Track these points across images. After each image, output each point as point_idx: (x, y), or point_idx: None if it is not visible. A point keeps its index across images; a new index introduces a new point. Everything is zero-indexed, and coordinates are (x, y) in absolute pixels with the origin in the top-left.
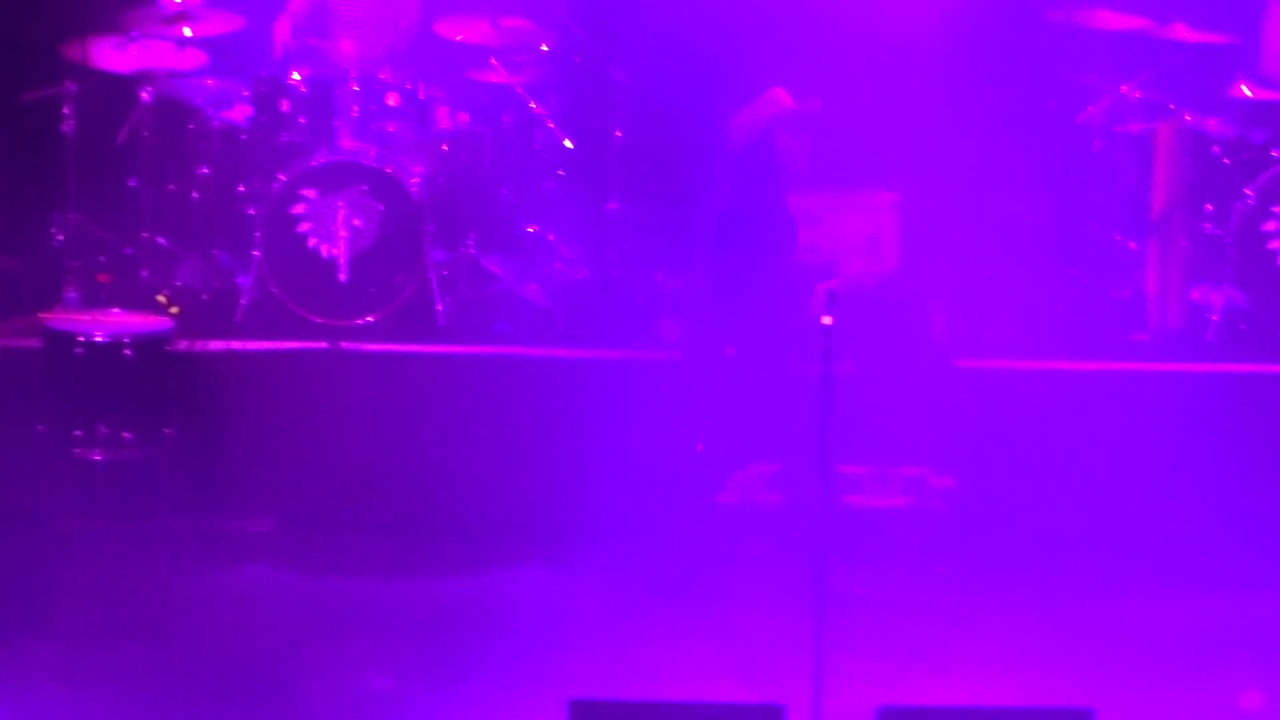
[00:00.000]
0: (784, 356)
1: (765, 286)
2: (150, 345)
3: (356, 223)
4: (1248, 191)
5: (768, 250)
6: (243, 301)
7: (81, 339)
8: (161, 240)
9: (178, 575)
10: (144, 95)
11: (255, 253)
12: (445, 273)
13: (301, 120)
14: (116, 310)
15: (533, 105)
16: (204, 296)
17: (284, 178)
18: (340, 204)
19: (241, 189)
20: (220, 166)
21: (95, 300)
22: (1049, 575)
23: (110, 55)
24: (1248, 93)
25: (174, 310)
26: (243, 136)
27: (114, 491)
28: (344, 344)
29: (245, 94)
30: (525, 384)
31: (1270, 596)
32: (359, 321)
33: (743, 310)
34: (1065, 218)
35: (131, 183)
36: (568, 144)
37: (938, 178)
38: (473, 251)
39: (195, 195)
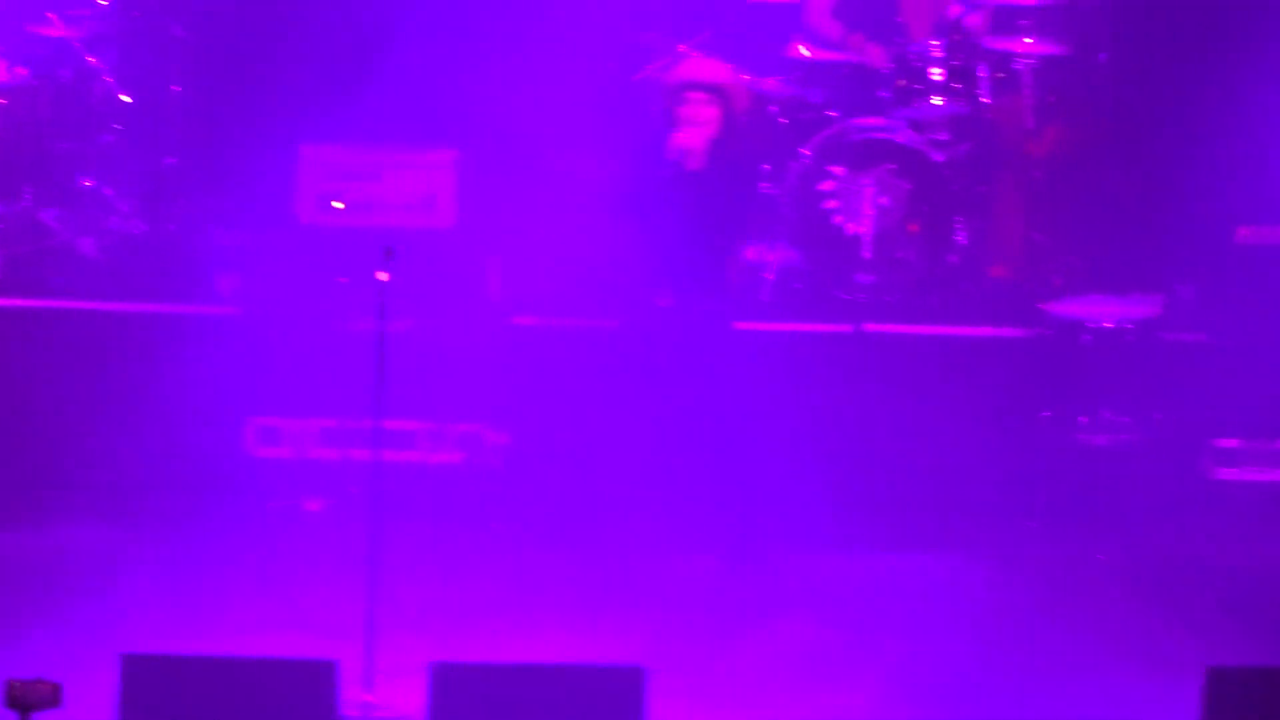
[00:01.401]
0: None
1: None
2: None
3: None
4: (804, 151)
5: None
6: None
7: None
8: None
9: None
10: None
11: None
12: (1, 226)
13: None
14: None
15: (91, 59)
16: None
17: None
18: None
19: None
20: None
21: None
22: (602, 533)
23: None
24: (805, 53)
25: None
26: None
27: None
28: None
29: None
30: (81, 338)
31: (808, 555)
32: None
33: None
34: (622, 175)
35: None
36: (126, 99)
37: (496, 136)
38: (29, 205)
39: None
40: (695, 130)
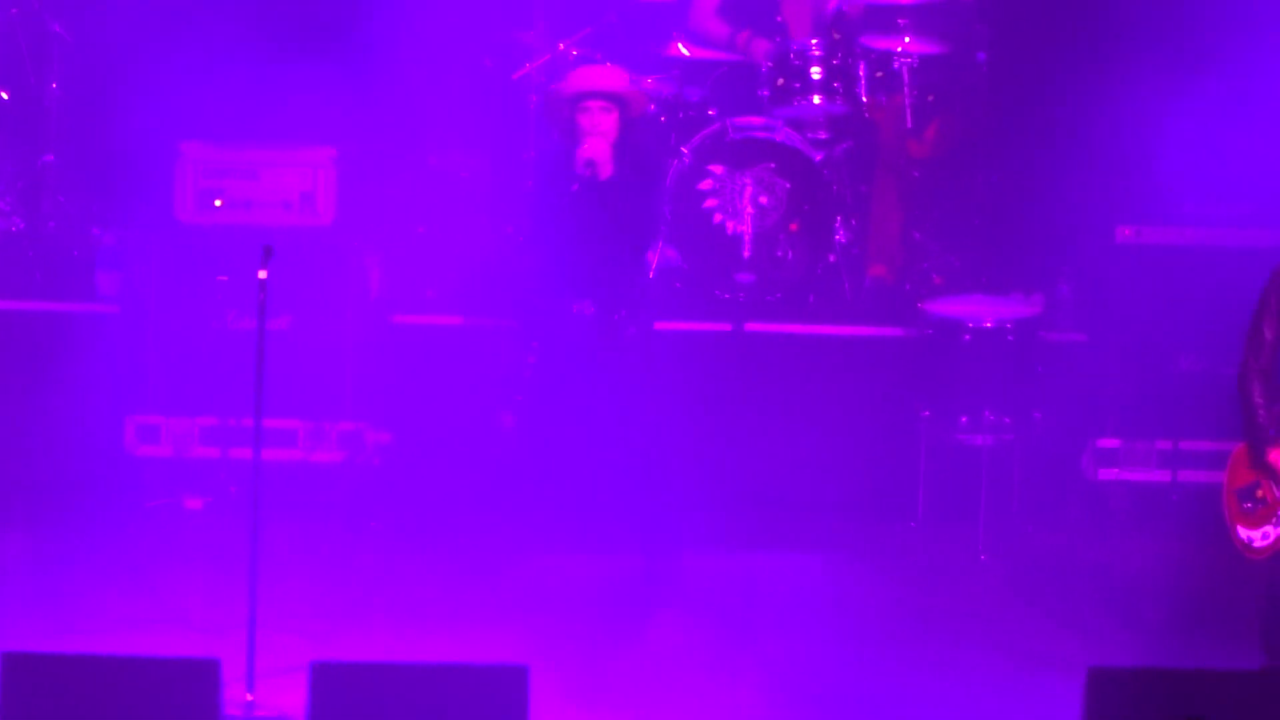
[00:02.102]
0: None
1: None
2: None
3: None
4: (683, 150)
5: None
6: None
7: None
8: None
9: None
10: None
11: None
12: None
13: None
14: None
15: None
16: None
17: None
18: None
19: None
20: None
21: None
22: (483, 532)
23: None
24: (685, 51)
25: None
26: None
27: None
28: None
29: None
30: None
31: (689, 554)
32: None
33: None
34: (502, 174)
35: None
36: (3, 96)
37: (375, 133)
38: None
39: None
40: (598, 139)
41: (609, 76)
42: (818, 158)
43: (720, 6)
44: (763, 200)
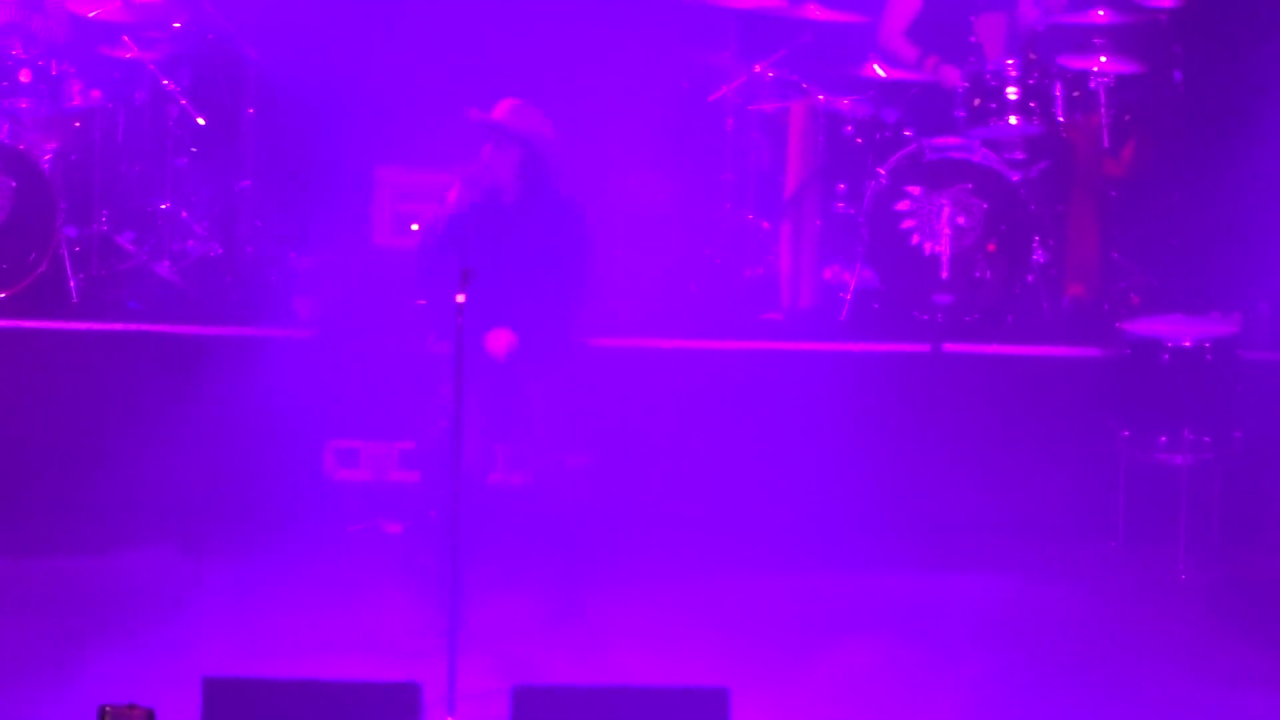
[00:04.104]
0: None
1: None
2: None
3: None
4: (880, 171)
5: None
6: None
7: None
8: None
9: None
10: None
11: None
12: (78, 249)
13: None
14: None
15: (165, 82)
16: None
17: None
18: None
19: None
20: None
21: None
22: (682, 555)
23: None
24: (880, 72)
25: None
26: None
27: None
28: None
29: None
30: (159, 361)
31: (886, 574)
32: None
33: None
34: (699, 197)
35: None
36: (200, 121)
37: (571, 156)
38: (105, 228)
39: None
40: (485, 171)
41: (517, 116)
42: (1015, 178)
43: (909, 28)
44: (960, 221)
